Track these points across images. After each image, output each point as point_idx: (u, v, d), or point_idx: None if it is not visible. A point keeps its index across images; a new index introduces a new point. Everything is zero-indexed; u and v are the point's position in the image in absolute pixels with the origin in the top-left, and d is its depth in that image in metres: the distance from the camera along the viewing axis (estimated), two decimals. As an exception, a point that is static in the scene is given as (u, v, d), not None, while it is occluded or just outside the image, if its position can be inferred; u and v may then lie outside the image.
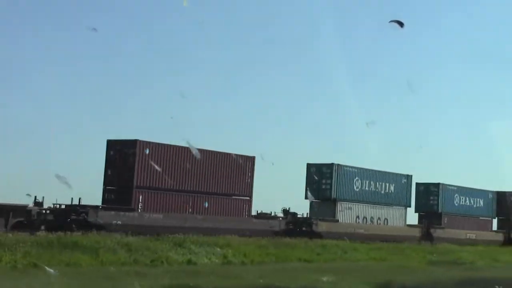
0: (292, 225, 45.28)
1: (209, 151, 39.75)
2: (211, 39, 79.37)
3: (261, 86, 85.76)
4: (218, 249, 32.78)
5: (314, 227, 45.63)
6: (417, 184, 58.96)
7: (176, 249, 31.30)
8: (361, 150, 73.73)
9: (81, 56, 74.86)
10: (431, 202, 58.36)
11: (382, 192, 51.99)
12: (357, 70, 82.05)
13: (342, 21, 79.79)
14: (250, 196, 42.02)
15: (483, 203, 63.27)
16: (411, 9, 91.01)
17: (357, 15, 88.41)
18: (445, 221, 58.42)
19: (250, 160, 41.94)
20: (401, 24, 20.85)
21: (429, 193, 58.58)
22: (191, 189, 38.66)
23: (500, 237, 64.32)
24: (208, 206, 39.22)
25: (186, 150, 38.19)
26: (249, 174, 41.82)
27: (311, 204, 48.81)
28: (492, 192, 64.48)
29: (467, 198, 61.15)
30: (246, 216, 41.79)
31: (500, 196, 67.57)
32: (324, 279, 26.07)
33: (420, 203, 58.75)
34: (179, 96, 73.14)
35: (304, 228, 45.55)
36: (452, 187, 59.64)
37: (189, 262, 30.29)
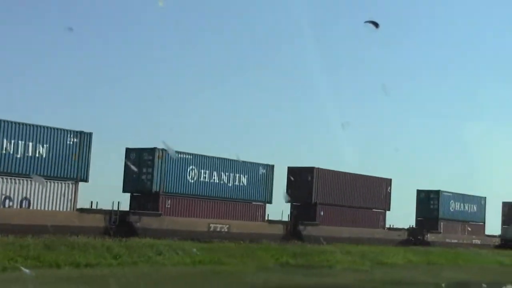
0: None
1: None
2: (195, 40, 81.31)
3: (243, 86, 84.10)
4: None
5: None
6: (127, 150, 39.75)
7: None
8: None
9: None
10: (143, 178, 39.00)
11: (19, 156, 32.51)
12: (334, 74, 79.07)
13: (319, 23, 77.48)
14: None
15: (250, 183, 43.87)
16: (388, 13, 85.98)
17: (334, 17, 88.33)
18: (167, 205, 39.14)
19: None
20: (376, 25, 19.99)
21: (141, 165, 39.20)
22: None
23: (277, 229, 45.30)
24: None
25: None
26: None
27: None
28: (265, 165, 45.25)
29: (215, 174, 41.80)
30: None
31: (293, 175, 48.88)
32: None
33: (129, 179, 39.46)
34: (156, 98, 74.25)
35: None
36: (185, 156, 40.26)
37: None
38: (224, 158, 42.27)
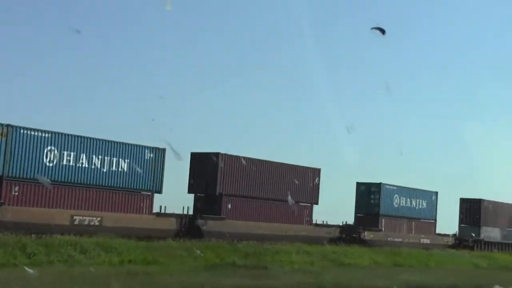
0: None
1: None
2: (195, 40, 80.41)
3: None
4: None
5: None
6: (-33, 128, 32.90)
7: None
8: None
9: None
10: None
11: None
12: (335, 74, 77.40)
13: (319, 23, 76.73)
14: None
15: (133, 168, 37.22)
16: (388, 13, 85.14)
17: (334, 17, 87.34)
18: (14, 193, 32.10)
19: None
20: (382, 31, 20.30)
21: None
22: None
23: (168, 224, 38.49)
24: None
25: None
26: None
27: None
28: (153, 149, 38.38)
29: (83, 157, 34.73)
30: None
31: (196, 161, 42.30)
32: None
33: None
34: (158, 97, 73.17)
35: None
36: (40, 134, 33.30)
37: None
38: (96, 139, 35.45)
